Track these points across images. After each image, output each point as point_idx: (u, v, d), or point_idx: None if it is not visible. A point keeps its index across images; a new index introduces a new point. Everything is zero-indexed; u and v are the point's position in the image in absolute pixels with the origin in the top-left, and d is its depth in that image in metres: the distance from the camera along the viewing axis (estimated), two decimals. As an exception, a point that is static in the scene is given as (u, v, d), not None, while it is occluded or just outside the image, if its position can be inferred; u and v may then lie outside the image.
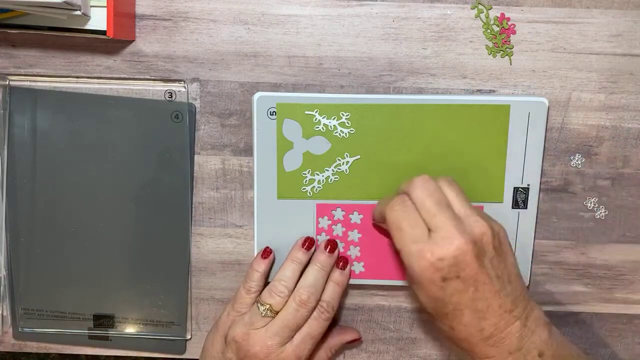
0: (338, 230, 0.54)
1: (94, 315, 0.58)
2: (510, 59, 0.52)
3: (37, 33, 0.50)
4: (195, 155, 0.55)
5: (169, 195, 0.55)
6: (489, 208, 0.53)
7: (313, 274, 0.51)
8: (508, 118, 0.51)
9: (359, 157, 0.52)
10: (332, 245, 0.53)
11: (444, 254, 0.43)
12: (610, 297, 0.57)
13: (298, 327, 0.50)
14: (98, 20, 0.48)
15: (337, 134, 0.52)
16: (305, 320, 0.50)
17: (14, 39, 0.53)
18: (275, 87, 0.53)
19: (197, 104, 0.54)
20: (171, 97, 0.54)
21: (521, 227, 0.53)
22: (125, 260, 0.56)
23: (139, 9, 0.52)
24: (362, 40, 0.52)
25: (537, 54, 0.52)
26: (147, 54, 0.53)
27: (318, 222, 0.54)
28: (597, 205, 0.55)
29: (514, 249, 0.53)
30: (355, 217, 0.53)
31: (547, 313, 0.55)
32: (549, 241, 0.56)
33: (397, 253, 0.46)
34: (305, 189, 0.53)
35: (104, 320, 0.58)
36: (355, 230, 0.54)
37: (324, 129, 0.52)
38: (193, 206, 0.56)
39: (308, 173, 0.53)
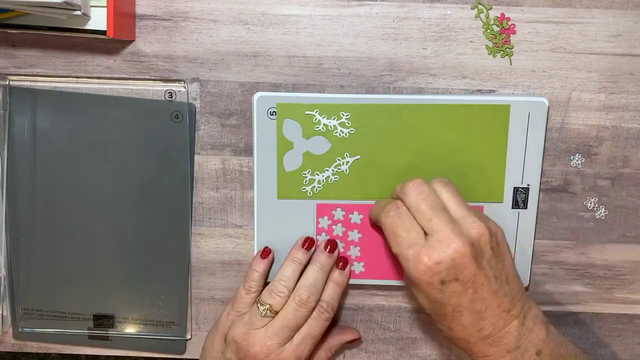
0: (338, 230, 0.54)
1: (94, 315, 0.58)
2: (510, 59, 0.52)
3: (37, 33, 0.50)
4: (195, 155, 0.55)
5: (169, 195, 0.55)
6: (489, 208, 0.53)
7: (313, 274, 0.51)
8: (508, 118, 0.51)
9: (359, 157, 0.52)
10: (332, 245, 0.53)
11: (441, 257, 0.43)
12: (610, 297, 0.57)
13: (298, 327, 0.50)
14: (98, 20, 0.48)
15: (337, 134, 0.52)
16: (305, 320, 0.50)
17: (14, 39, 0.53)
18: (275, 87, 0.53)
19: (197, 104, 0.54)
20: (171, 97, 0.54)
21: (521, 227, 0.53)
22: (125, 260, 0.56)
23: (139, 9, 0.52)
24: (362, 40, 0.52)
25: (537, 54, 0.52)
26: (147, 54, 0.53)
27: (318, 222, 0.54)
28: (597, 205, 0.55)
29: (513, 249, 0.53)
30: (355, 217, 0.53)
31: (547, 313, 0.56)
32: (549, 241, 0.56)
33: (395, 257, 0.46)
34: (305, 189, 0.53)
35: (104, 320, 0.58)
36: (355, 230, 0.54)
37: (324, 129, 0.52)
38: (193, 206, 0.56)
39: (308, 173, 0.53)
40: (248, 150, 0.54)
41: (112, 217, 0.55)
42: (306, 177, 0.53)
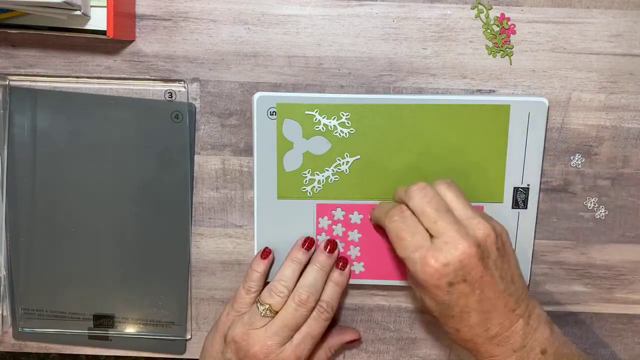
0: (338, 230, 0.54)
1: (94, 315, 0.58)
2: (510, 59, 0.52)
3: (37, 33, 0.50)
4: (195, 155, 0.55)
5: (169, 195, 0.55)
6: (489, 208, 0.53)
7: (313, 274, 0.51)
8: (508, 118, 0.51)
9: (359, 157, 0.52)
10: (331, 245, 0.53)
11: (448, 259, 0.43)
12: (610, 297, 0.57)
13: (297, 327, 0.50)
14: (98, 20, 0.48)
15: (337, 134, 0.52)
16: (305, 320, 0.50)
17: (14, 39, 0.53)
18: (275, 87, 0.53)
19: (197, 104, 0.54)
20: (171, 97, 0.54)
21: (521, 227, 0.53)
22: (125, 260, 0.56)
23: (139, 9, 0.52)
24: (362, 40, 0.52)
25: (537, 54, 0.52)
26: (147, 54, 0.53)
27: (318, 222, 0.54)
28: (597, 205, 0.55)
29: (513, 249, 0.53)
30: (355, 217, 0.53)
31: (547, 313, 0.56)
32: (549, 241, 0.56)
33: (400, 261, 0.46)
34: (305, 189, 0.53)
35: (104, 320, 0.58)
36: (355, 230, 0.54)
37: (324, 129, 0.52)
38: (193, 206, 0.56)
39: (308, 173, 0.53)
40: (248, 150, 0.54)
41: (112, 217, 0.55)
42: (306, 177, 0.53)
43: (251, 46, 0.52)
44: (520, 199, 0.53)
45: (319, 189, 0.53)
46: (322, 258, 0.52)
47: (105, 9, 0.47)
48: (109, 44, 0.53)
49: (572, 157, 0.54)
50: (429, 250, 0.43)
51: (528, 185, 0.53)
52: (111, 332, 0.58)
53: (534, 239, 0.54)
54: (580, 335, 0.57)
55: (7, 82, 0.53)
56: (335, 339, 0.55)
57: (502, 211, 0.53)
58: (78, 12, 0.46)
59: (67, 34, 0.49)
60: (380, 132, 0.52)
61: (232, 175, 0.55)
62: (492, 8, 0.51)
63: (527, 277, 0.54)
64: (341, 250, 0.54)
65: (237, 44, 0.52)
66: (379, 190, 0.53)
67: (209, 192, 0.55)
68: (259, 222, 0.54)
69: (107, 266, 0.56)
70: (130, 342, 0.58)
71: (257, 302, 0.51)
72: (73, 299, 0.57)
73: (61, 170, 0.55)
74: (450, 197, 0.46)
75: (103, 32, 0.48)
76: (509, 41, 0.52)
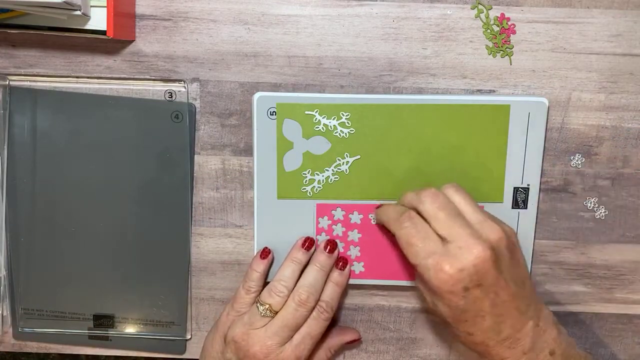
0: (338, 230, 0.54)
1: (94, 315, 0.58)
2: (510, 59, 0.52)
3: (37, 33, 0.50)
4: (195, 155, 0.55)
5: (169, 195, 0.55)
6: (489, 208, 0.52)
7: (312, 274, 0.51)
8: (508, 118, 0.51)
9: (359, 157, 0.52)
10: (331, 245, 0.53)
11: (463, 264, 0.43)
12: (610, 297, 0.57)
13: (297, 327, 0.50)
14: (98, 20, 0.48)
15: (337, 134, 0.52)
16: (305, 320, 0.50)
17: (14, 39, 0.53)
18: (275, 87, 0.53)
19: (197, 104, 0.54)
20: (171, 97, 0.54)
21: (521, 227, 0.53)
22: (125, 260, 0.56)
23: (139, 9, 0.52)
24: (362, 40, 0.52)
25: (537, 54, 0.52)
26: (147, 54, 0.53)
27: (318, 222, 0.54)
28: (597, 205, 0.55)
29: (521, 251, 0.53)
30: (355, 217, 0.53)
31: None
32: (549, 241, 0.56)
33: (400, 261, 0.46)
34: (305, 189, 0.53)
35: (104, 320, 0.58)
36: (355, 230, 0.54)
37: (324, 129, 0.52)
38: (193, 206, 0.56)
39: (308, 173, 0.53)
40: (248, 150, 0.54)
41: (112, 217, 0.55)
42: (306, 177, 0.53)
43: (251, 46, 0.52)
44: (520, 199, 0.53)
45: (319, 189, 0.53)
46: (322, 258, 0.52)
47: (105, 9, 0.47)
48: (109, 44, 0.53)
49: (572, 157, 0.54)
50: (442, 256, 0.43)
51: (528, 185, 0.53)
52: (111, 332, 0.58)
53: (534, 239, 0.54)
54: (580, 335, 0.57)
55: (7, 82, 0.54)
56: (335, 339, 0.55)
57: (502, 211, 0.53)
58: (78, 12, 0.46)
59: (67, 34, 0.49)
60: (380, 132, 0.52)
61: (232, 175, 0.55)
62: (492, 8, 0.51)
63: (527, 277, 0.55)
64: (341, 250, 0.54)
65: (237, 44, 0.52)
66: (379, 190, 0.53)
67: (209, 192, 0.55)
68: (259, 222, 0.54)
69: (107, 266, 0.56)
70: (130, 342, 0.58)
71: (257, 302, 0.51)
72: (73, 299, 0.57)
73: (61, 170, 0.55)
74: (460, 201, 0.46)
75: (103, 32, 0.48)
76: (509, 41, 0.52)
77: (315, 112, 0.52)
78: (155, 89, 0.54)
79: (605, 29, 0.51)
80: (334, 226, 0.54)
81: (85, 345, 0.59)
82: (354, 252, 0.54)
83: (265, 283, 0.53)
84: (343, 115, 0.51)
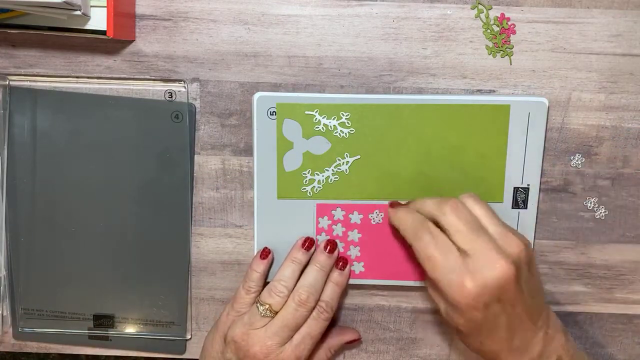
0: (338, 230, 0.54)
1: (94, 315, 0.58)
2: (510, 59, 0.52)
3: (37, 33, 0.50)
4: (195, 155, 0.55)
5: (169, 195, 0.55)
6: (489, 208, 0.53)
7: (312, 274, 0.51)
8: (508, 118, 0.51)
9: (359, 157, 0.52)
10: (331, 245, 0.53)
11: (486, 280, 0.42)
12: (610, 297, 0.57)
13: (297, 327, 0.50)
14: (98, 20, 0.48)
15: (337, 134, 0.52)
16: (305, 320, 0.50)
17: (14, 39, 0.53)
18: (275, 87, 0.53)
19: (197, 104, 0.54)
20: (171, 97, 0.54)
21: (521, 227, 0.53)
22: (125, 260, 0.56)
23: (139, 9, 0.52)
24: (362, 40, 0.52)
25: (537, 54, 0.52)
26: (147, 54, 0.53)
27: (318, 222, 0.54)
28: (597, 205, 0.55)
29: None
30: (355, 217, 0.53)
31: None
32: (549, 241, 0.56)
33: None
34: (305, 189, 0.53)
35: (104, 320, 0.58)
36: (355, 230, 0.54)
37: (324, 129, 0.52)
38: (193, 206, 0.56)
39: (308, 173, 0.53)
40: (248, 150, 0.54)
41: (112, 217, 0.55)
42: (306, 177, 0.53)
43: (251, 46, 0.52)
44: (520, 199, 0.53)
45: (319, 189, 0.53)
46: (322, 258, 0.52)
47: (105, 9, 0.47)
48: (109, 44, 0.53)
49: (572, 157, 0.54)
50: (465, 272, 0.43)
51: (528, 185, 0.53)
52: (111, 332, 0.58)
53: (534, 239, 0.54)
54: (580, 335, 0.57)
55: (7, 82, 0.53)
56: (335, 339, 0.55)
57: (502, 211, 0.52)
58: (78, 12, 0.46)
59: (67, 34, 0.49)
60: (380, 132, 0.52)
61: (232, 175, 0.55)
62: (492, 8, 0.51)
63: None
64: (341, 250, 0.54)
65: (237, 44, 0.52)
66: (379, 190, 0.53)
67: (209, 192, 0.55)
68: (259, 222, 0.54)
69: (107, 266, 0.56)
70: (130, 342, 0.58)
71: (257, 302, 0.51)
72: (73, 299, 0.57)
73: (61, 170, 0.55)
74: (480, 213, 0.46)
75: (103, 32, 0.48)
76: (509, 41, 0.52)
77: (315, 112, 0.52)
78: (155, 89, 0.54)
79: (605, 29, 0.51)
80: (334, 226, 0.54)
81: (85, 345, 0.59)
82: (354, 252, 0.54)
83: (266, 283, 0.53)
84: (343, 115, 0.51)
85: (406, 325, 0.58)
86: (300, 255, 0.52)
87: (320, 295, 0.51)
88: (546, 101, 0.51)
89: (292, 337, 0.50)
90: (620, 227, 0.55)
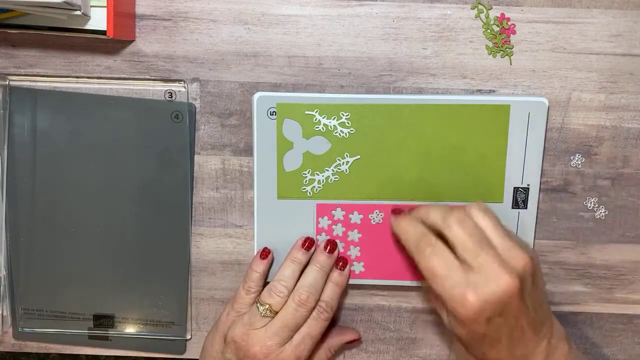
0: (338, 230, 0.54)
1: (94, 315, 0.58)
2: (510, 59, 0.52)
3: (37, 33, 0.50)
4: (195, 155, 0.55)
5: (169, 195, 0.55)
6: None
7: (312, 274, 0.51)
8: (508, 118, 0.51)
9: (359, 157, 0.52)
10: (331, 245, 0.53)
11: (489, 296, 0.42)
12: (610, 297, 0.57)
13: (297, 327, 0.50)
14: (98, 20, 0.48)
15: (337, 134, 0.52)
16: (305, 320, 0.50)
17: (14, 39, 0.53)
18: (275, 87, 0.53)
19: (197, 104, 0.54)
20: (171, 97, 0.54)
21: (521, 227, 0.53)
22: (125, 260, 0.56)
23: (139, 9, 0.52)
24: (362, 40, 0.52)
25: (537, 54, 0.52)
26: (147, 54, 0.53)
27: (318, 222, 0.54)
28: (597, 205, 0.55)
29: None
30: (355, 217, 0.53)
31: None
32: (549, 241, 0.56)
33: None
34: (305, 189, 0.53)
35: (104, 320, 0.58)
36: (355, 230, 0.54)
37: (324, 129, 0.52)
38: (193, 206, 0.56)
39: (308, 173, 0.53)
40: (248, 150, 0.54)
41: (112, 217, 0.55)
42: (306, 177, 0.53)
43: (251, 46, 0.52)
44: (520, 199, 0.53)
45: (319, 189, 0.53)
46: (322, 258, 0.52)
47: (105, 9, 0.47)
48: (109, 44, 0.53)
49: (572, 157, 0.54)
50: (467, 286, 0.42)
51: (528, 185, 0.53)
52: (111, 332, 0.58)
53: (534, 239, 0.54)
54: (580, 335, 0.57)
55: (7, 82, 0.53)
56: (335, 339, 0.55)
57: (502, 211, 0.53)
58: (78, 12, 0.46)
59: (67, 34, 0.49)
60: (380, 132, 0.52)
61: (232, 175, 0.55)
62: (492, 8, 0.51)
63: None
64: (341, 250, 0.54)
65: (237, 44, 0.52)
66: (379, 190, 0.53)
67: (209, 192, 0.55)
68: (259, 222, 0.54)
69: (107, 266, 0.56)
70: (130, 342, 0.58)
71: (257, 302, 0.51)
72: (73, 299, 0.57)
73: (61, 170, 0.55)
74: (486, 225, 0.45)
75: (103, 32, 0.48)
76: (509, 41, 0.52)
77: (315, 112, 0.52)
78: (155, 89, 0.54)
79: (605, 29, 0.51)
80: (334, 226, 0.54)
81: (85, 345, 0.59)
82: (354, 252, 0.54)
83: (266, 283, 0.53)
84: (343, 115, 0.51)
85: (406, 325, 0.58)
86: (300, 255, 0.52)
87: (320, 296, 0.51)
88: (546, 101, 0.51)
89: (292, 337, 0.50)
90: (620, 227, 0.55)
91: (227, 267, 0.57)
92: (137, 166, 0.54)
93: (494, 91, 0.53)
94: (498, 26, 0.51)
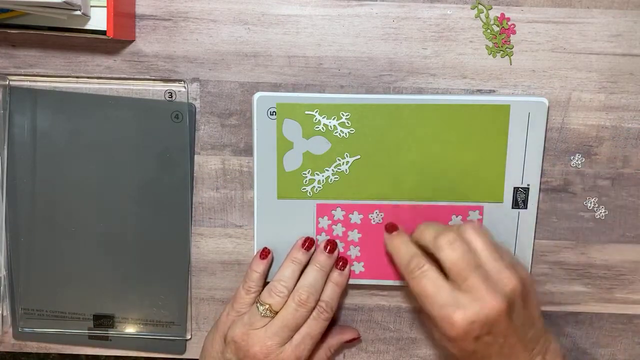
0: (338, 230, 0.54)
1: (94, 315, 0.58)
2: (510, 59, 0.52)
3: (37, 33, 0.50)
4: (195, 155, 0.55)
5: (169, 195, 0.55)
6: (489, 208, 0.53)
7: (312, 274, 0.51)
8: (508, 118, 0.51)
9: (359, 157, 0.52)
10: (331, 245, 0.53)
11: (475, 317, 0.43)
12: (610, 297, 0.57)
13: (297, 327, 0.50)
14: (98, 20, 0.48)
15: (337, 134, 0.52)
16: (305, 320, 0.50)
17: (14, 39, 0.53)
18: (275, 87, 0.53)
19: (197, 104, 0.54)
20: (171, 97, 0.54)
21: (521, 227, 0.53)
22: (125, 260, 0.56)
23: (139, 9, 0.52)
24: (362, 40, 0.52)
25: (537, 54, 0.52)
26: (147, 54, 0.53)
27: (318, 222, 0.54)
28: (597, 205, 0.55)
29: (513, 249, 0.53)
30: (355, 217, 0.53)
31: (547, 313, 0.56)
32: (549, 241, 0.56)
33: (427, 316, 0.47)
34: (305, 189, 0.53)
35: (104, 320, 0.58)
36: (355, 230, 0.54)
37: (324, 129, 0.52)
38: (193, 206, 0.56)
39: (308, 173, 0.53)
40: (248, 150, 0.54)
41: (112, 217, 0.55)
42: (306, 177, 0.53)
43: (251, 46, 0.52)
44: (520, 199, 0.53)
45: (319, 189, 0.53)
46: (322, 258, 0.52)
47: (105, 9, 0.47)
48: (109, 44, 0.53)
49: (572, 157, 0.54)
50: (455, 307, 0.43)
51: (528, 185, 0.53)
52: (111, 332, 0.58)
53: (534, 239, 0.54)
54: (580, 335, 0.57)
55: (7, 82, 0.54)
56: (335, 339, 0.55)
57: (502, 211, 0.53)
58: (78, 12, 0.46)
59: (67, 34, 0.49)
60: (380, 132, 0.52)
61: (232, 175, 0.55)
62: (492, 8, 0.51)
63: (527, 277, 0.55)
64: (341, 250, 0.54)
65: (237, 44, 0.52)
66: (379, 190, 0.53)
67: (209, 192, 0.55)
68: (259, 222, 0.54)
69: (107, 266, 0.56)
70: (130, 342, 0.58)
71: (257, 302, 0.51)
72: (73, 299, 0.57)
73: (61, 170, 0.55)
74: (479, 245, 0.46)
75: (103, 32, 0.48)
76: (509, 41, 0.52)
77: (315, 112, 0.52)
78: (155, 89, 0.54)
79: (605, 29, 0.51)
80: (334, 226, 0.54)
81: (85, 345, 0.59)
82: (354, 252, 0.54)
83: (266, 283, 0.53)
84: (343, 115, 0.51)
85: (406, 325, 0.58)
86: (300, 255, 0.52)
87: (320, 295, 0.51)
88: (546, 101, 0.51)
89: (292, 337, 0.50)
90: (620, 227, 0.55)
91: (227, 267, 0.57)
92: (137, 166, 0.54)
93: (494, 91, 0.53)
94: (498, 26, 0.51)
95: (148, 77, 0.53)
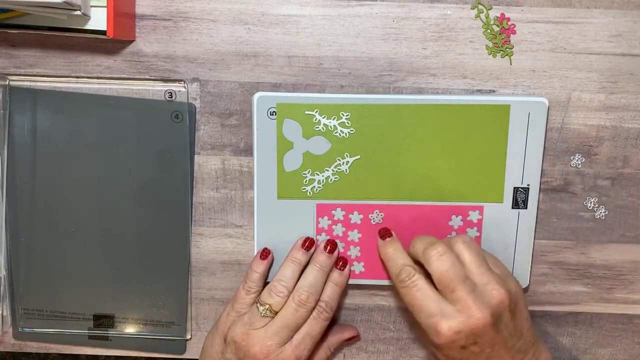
0: (338, 230, 0.54)
1: (94, 315, 0.58)
2: (510, 59, 0.52)
3: (37, 33, 0.50)
4: (195, 155, 0.55)
5: (169, 195, 0.55)
6: (489, 208, 0.53)
7: (312, 274, 0.51)
8: (508, 118, 0.51)
9: (359, 157, 0.52)
10: (331, 245, 0.53)
11: (461, 328, 0.44)
12: (610, 297, 0.57)
13: (297, 327, 0.50)
14: (98, 20, 0.48)
15: (337, 134, 0.52)
16: (305, 320, 0.50)
17: (14, 39, 0.53)
18: (275, 87, 0.53)
19: (197, 104, 0.54)
20: (171, 97, 0.54)
21: (521, 227, 0.53)
22: (125, 260, 0.56)
23: (139, 9, 0.52)
24: (362, 40, 0.52)
25: (537, 54, 0.52)
26: (147, 54, 0.53)
27: (318, 222, 0.54)
28: (597, 205, 0.55)
29: (513, 249, 0.53)
30: (355, 217, 0.53)
31: (547, 313, 0.56)
32: (549, 241, 0.56)
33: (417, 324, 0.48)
34: (305, 189, 0.53)
35: (104, 320, 0.58)
36: (355, 230, 0.54)
37: (324, 129, 0.52)
38: (193, 206, 0.56)
39: (308, 173, 0.53)
40: (248, 150, 0.54)
41: (112, 217, 0.55)
42: (306, 177, 0.53)
43: (251, 46, 0.52)
44: (520, 199, 0.53)
45: (319, 189, 0.53)
46: (321, 258, 0.52)
47: (105, 9, 0.47)
48: (109, 44, 0.53)
49: (572, 157, 0.54)
50: (442, 318, 0.45)
51: (528, 185, 0.53)
52: (111, 332, 0.58)
53: (534, 239, 0.54)
54: (580, 335, 0.57)
55: (7, 82, 0.54)
56: (335, 338, 0.55)
57: (502, 211, 0.53)
58: (78, 12, 0.46)
59: (67, 34, 0.49)
60: (380, 132, 0.52)
61: (232, 175, 0.55)
62: (492, 8, 0.51)
63: (527, 277, 0.55)
64: (341, 250, 0.54)
65: (237, 44, 0.52)
66: (379, 190, 0.53)
67: (209, 192, 0.55)
68: (259, 222, 0.54)
69: (107, 266, 0.56)
70: (130, 342, 0.58)
71: (257, 303, 0.51)
72: (73, 299, 0.57)
73: (61, 170, 0.55)
74: (467, 258, 0.47)
75: (103, 32, 0.48)
76: (509, 41, 0.52)
77: (315, 112, 0.52)
78: (155, 89, 0.54)
79: (605, 29, 0.51)
80: (334, 226, 0.54)
81: (85, 345, 0.59)
82: (354, 252, 0.54)
83: (266, 283, 0.53)
84: (343, 115, 0.51)
85: (406, 325, 0.58)
86: (300, 256, 0.52)
87: (320, 296, 0.51)
88: (546, 101, 0.51)
89: (292, 337, 0.50)
90: (620, 227, 0.55)
91: (227, 267, 0.57)
92: (137, 166, 0.54)
93: (494, 91, 0.53)
94: (498, 26, 0.51)
95: (148, 77, 0.53)
